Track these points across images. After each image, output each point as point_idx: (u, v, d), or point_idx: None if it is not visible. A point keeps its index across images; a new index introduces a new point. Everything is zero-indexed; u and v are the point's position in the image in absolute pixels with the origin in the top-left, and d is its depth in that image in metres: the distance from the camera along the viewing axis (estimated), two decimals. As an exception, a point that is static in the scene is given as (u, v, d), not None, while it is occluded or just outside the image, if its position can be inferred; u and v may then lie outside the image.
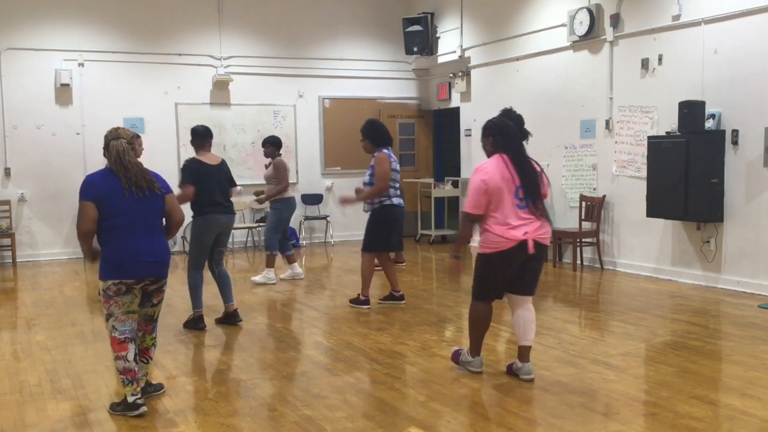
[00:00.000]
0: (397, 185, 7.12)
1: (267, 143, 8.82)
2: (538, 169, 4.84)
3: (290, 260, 8.96)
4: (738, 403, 4.33)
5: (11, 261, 10.63)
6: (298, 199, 12.27)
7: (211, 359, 5.59)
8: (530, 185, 4.70)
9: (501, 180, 4.64)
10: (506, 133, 4.80)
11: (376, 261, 7.25)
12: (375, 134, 7.13)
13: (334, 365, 5.34)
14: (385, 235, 7.09)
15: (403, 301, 7.35)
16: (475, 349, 4.96)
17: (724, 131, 7.70)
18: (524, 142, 4.95)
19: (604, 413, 4.22)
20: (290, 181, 12.28)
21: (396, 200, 7.07)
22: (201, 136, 6.57)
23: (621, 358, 5.30)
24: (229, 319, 6.59)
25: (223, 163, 6.60)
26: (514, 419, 4.15)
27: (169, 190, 4.56)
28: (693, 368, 5.04)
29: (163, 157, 10.96)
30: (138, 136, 4.87)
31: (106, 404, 4.52)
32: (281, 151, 8.84)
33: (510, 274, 4.74)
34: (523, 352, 4.84)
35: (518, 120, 5.10)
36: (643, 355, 5.52)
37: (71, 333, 6.41)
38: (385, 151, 7.05)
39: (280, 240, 8.74)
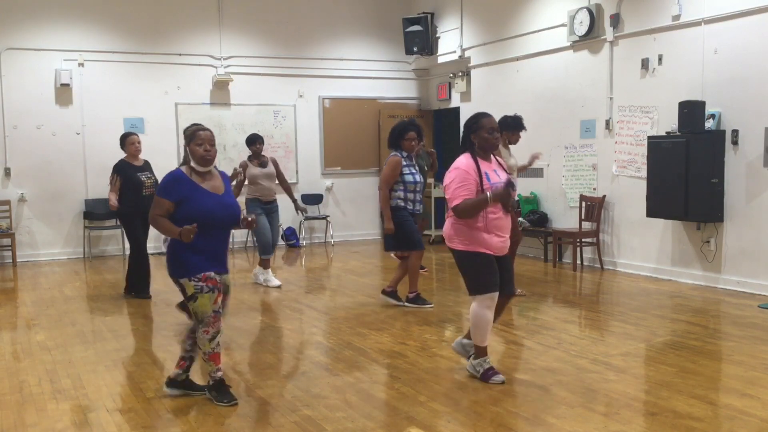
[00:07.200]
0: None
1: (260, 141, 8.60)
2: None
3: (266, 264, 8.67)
4: (738, 403, 4.33)
5: (11, 261, 10.63)
6: (297, 198, 12.35)
7: (211, 359, 5.58)
8: None
9: None
10: None
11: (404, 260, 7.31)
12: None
13: (334, 365, 5.34)
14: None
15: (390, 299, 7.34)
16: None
17: (724, 131, 7.70)
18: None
19: (604, 413, 4.22)
20: (290, 182, 12.43)
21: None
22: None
23: (621, 358, 5.30)
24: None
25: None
26: (514, 419, 4.15)
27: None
28: (693, 368, 5.04)
29: (163, 157, 10.92)
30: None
31: (106, 404, 4.52)
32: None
33: None
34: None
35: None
36: (643, 355, 5.52)
37: (71, 333, 6.41)
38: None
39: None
